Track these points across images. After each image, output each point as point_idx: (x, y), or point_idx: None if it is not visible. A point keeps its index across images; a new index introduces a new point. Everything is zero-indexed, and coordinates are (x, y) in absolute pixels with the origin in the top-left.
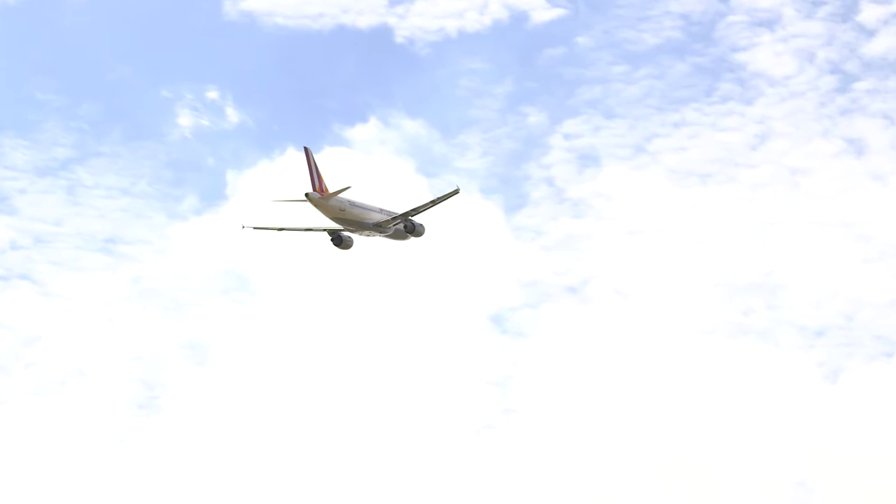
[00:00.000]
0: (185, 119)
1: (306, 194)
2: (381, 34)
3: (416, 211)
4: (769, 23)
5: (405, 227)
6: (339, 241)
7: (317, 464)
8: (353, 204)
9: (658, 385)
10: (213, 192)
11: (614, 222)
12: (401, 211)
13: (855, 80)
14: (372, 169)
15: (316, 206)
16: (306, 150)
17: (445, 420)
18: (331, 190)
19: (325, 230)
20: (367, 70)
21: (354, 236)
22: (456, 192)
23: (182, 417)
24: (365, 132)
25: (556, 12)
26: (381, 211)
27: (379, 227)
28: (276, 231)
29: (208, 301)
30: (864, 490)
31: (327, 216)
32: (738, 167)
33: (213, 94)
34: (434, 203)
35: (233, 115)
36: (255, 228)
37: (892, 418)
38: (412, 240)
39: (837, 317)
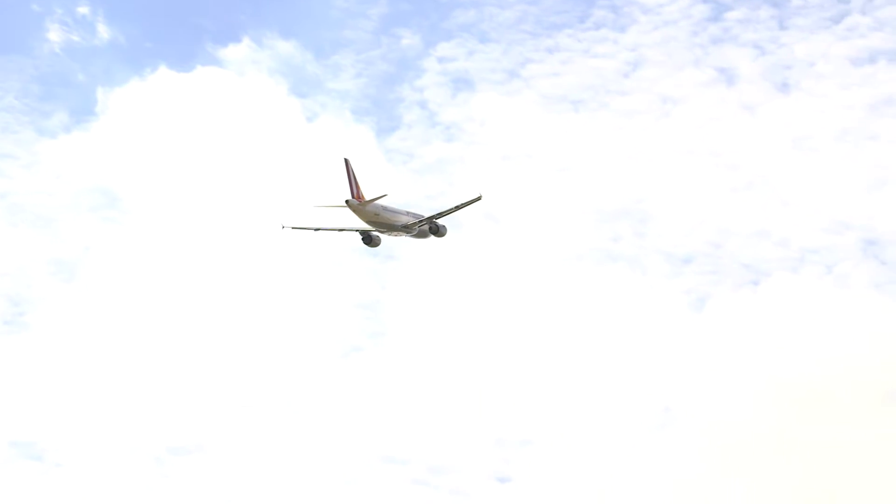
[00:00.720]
0: (54, 34)
1: (346, 201)
2: None
3: (441, 215)
4: None
5: (430, 228)
6: (370, 240)
7: (182, 383)
8: (385, 209)
9: (527, 309)
10: (82, 108)
11: (487, 147)
12: (426, 214)
13: (727, 10)
14: (244, 89)
15: (354, 211)
16: (346, 161)
17: (313, 342)
18: (367, 197)
19: (357, 230)
20: None
21: (382, 236)
22: (478, 198)
23: (48, 334)
24: (238, 52)
25: None
26: (408, 213)
27: (406, 229)
28: (312, 231)
29: (76, 218)
30: (728, 416)
31: (363, 220)
32: (611, 94)
33: (83, 10)
34: (457, 208)
35: (104, 32)
36: (293, 228)
37: (757, 346)
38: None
39: (705, 245)
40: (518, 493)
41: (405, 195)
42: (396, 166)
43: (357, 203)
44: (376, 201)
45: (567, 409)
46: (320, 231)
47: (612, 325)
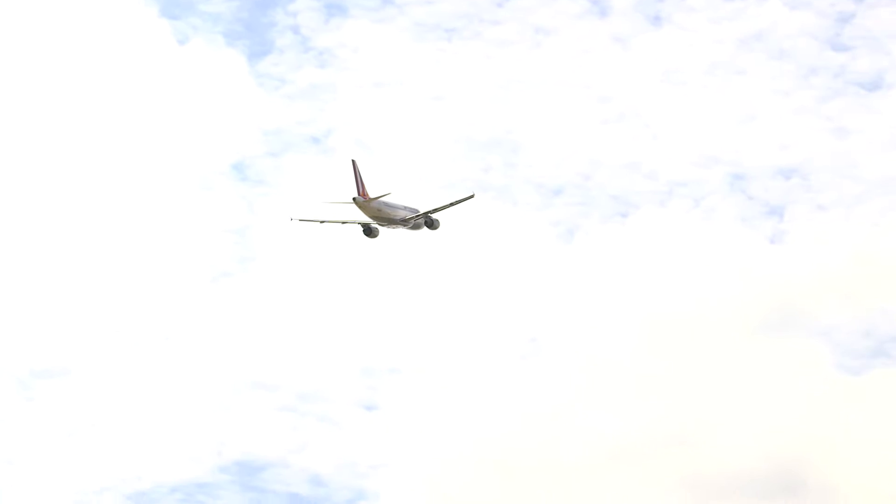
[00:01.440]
0: None
1: (353, 199)
2: None
3: (436, 210)
4: None
5: (425, 222)
6: (369, 231)
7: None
8: (387, 205)
9: (396, 238)
10: None
11: (359, 74)
12: (422, 210)
13: None
14: (113, 13)
15: (360, 207)
16: (353, 162)
17: (181, 267)
18: (371, 195)
19: (359, 223)
20: None
21: (381, 228)
22: (471, 196)
23: None
24: None
25: None
26: (406, 209)
27: (404, 222)
28: (318, 223)
29: None
30: (595, 347)
31: (366, 214)
32: (484, 23)
33: None
34: (451, 205)
35: None
36: (300, 220)
37: (625, 278)
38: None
39: (575, 176)
40: (385, 421)
41: (276, 121)
42: (268, 91)
43: (363, 200)
44: (380, 199)
45: (434, 338)
46: (325, 223)
47: (481, 255)
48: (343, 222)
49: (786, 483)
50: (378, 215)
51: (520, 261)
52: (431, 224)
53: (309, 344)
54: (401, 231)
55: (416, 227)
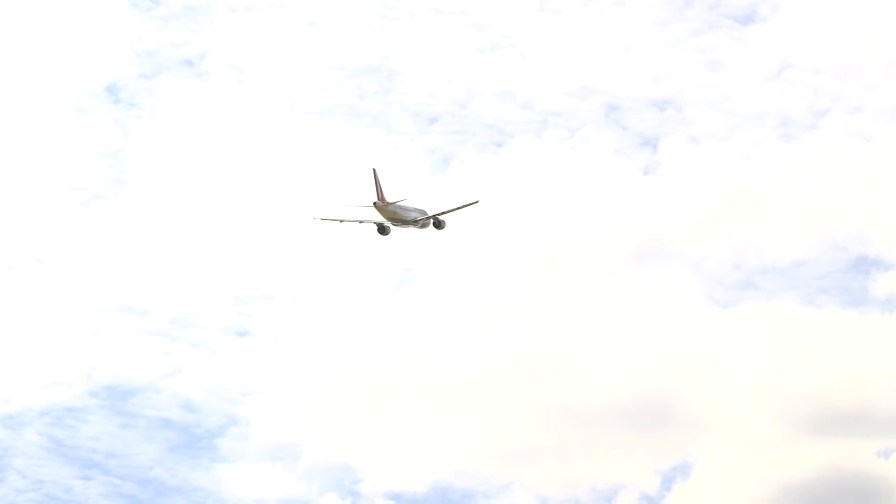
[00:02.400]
0: None
1: (373, 203)
2: None
3: (444, 213)
4: None
5: (434, 222)
6: (383, 230)
7: None
8: (402, 208)
9: (269, 163)
10: None
11: None
12: (430, 212)
13: None
14: None
15: (378, 210)
16: (374, 170)
17: (53, 189)
18: (388, 199)
19: (374, 222)
20: None
21: (394, 228)
22: (476, 202)
23: None
24: None
25: None
26: (416, 210)
27: (415, 223)
28: (338, 222)
29: None
30: (467, 277)
31: (384, 216)
32: None
33: None
34: (458, 209)
35: None
36: (322, 219)
37: (498, 207)
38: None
39: (450, 104)
40: (257, 348)
41: (150, 43)
42: (141, 12)
43: (382, 204)
44: (396, 203)
45: (308, 265)
46: (345, 222)
47: (354, 183)
48: (360, 221)
49: (655, 413)
50: (393, 217)
51: (395, 187)
52: (439, 224)
53: (182, 269)
54: (411, 230)
55: (424, 226)
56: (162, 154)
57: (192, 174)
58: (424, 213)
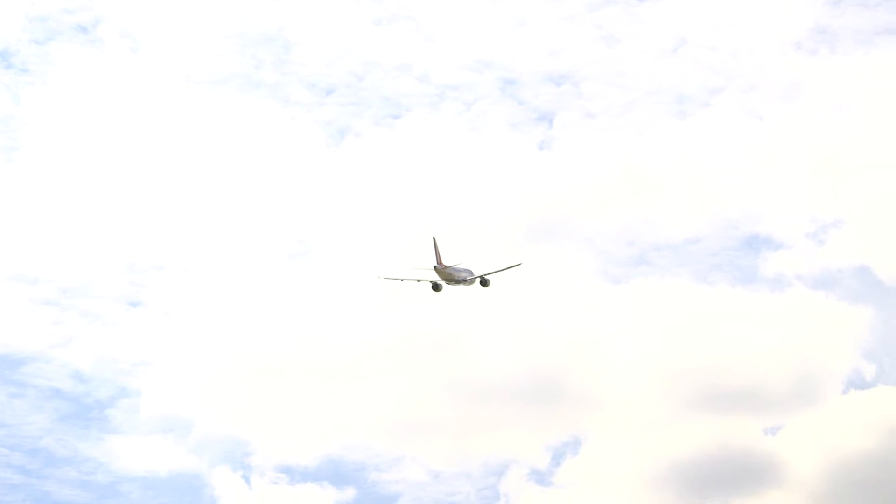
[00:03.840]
0: None
1: (434, 267)
2: None
3: (490, 273)
4: None
5: (480, 281)
6: (437, 288)
7: None
8: (455, 270)
9: (167, 133)
10: None
11: None
12: (476, 273)
13: None
14: None
15: (437, 273)
16: (434, 238)
17: None
18: (445, 263)
19: (430, 281)
20: None
21: (446, 286)
22: (519, 265)
23: None
24: None
25: None
26: (466, 271)
27: (465, 282)
28: (400, 281)
29: None
30: (359, 247)
31: (441, 277)
32: None
33: None
34: (500, 270)
35: None
36: (385, 279)
37: (394, 180)
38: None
39: (347, 76)
40: (149, 318)
41: (42, 8)
42: None
43: (441, 268)
44: (451, 267)
45: (201, 236)
46: (405, 281)
47: (251, 154)
48: (419, 280)
49: (547, 389)
50: (448, 277)
51: (290, 160)
52: (484, 283)
53: (73, 237)
54: (460, 287)
55: (471, 283)
56: (54, 121)
57: (85, 142)
58: (472, 273)
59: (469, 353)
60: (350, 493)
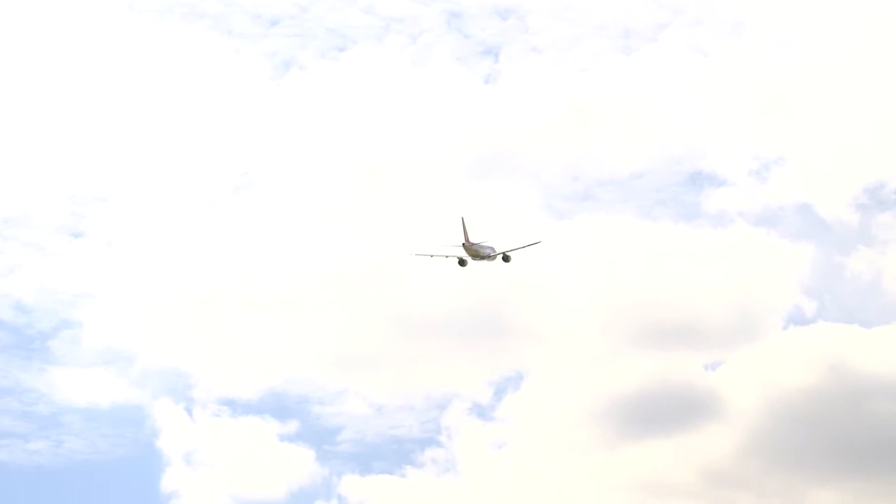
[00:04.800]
0: None
1: (462, 244)
2: None
3: (511, 250)
4: None
5: (502, 257)
6: (463, 263)
7: None
8: (481, 247)
9: (102, 63)
10: None
11: None
12: (498, 249)
13: None
14: None
15: (465, 250)
16: (462, 219)
17: None
18: (472, 240)
19: (457, 257)
20: None
21: (471, 261)
22: (538, 242)
23: None
24: None
25: None
26: (489, 248)
27: (489, 258)
28: (429, 256)
29: None
30: (305, 180)
31: (468, 253)
32: None
33: None
34: (522, 248)
35: None
36: (416, 255)
37: (339, 113)
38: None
39: (292, 7)
40: (91, 249)
41: None
42: None
43: (469, 245)
44: (477, 244)
45: (144, 167)
46: (435, 257)
47: (195, 85)
48: (447, 256)
49: (489, 324)
50: (474, 254)
51: (233, 93)
52: (506, 259)
53: (14, 168)
54: (484, 262)
55: (493, 259)
56: None
57: (26, 72)
58: (494, 249)
59: (412, 287)
60: (292, 425)
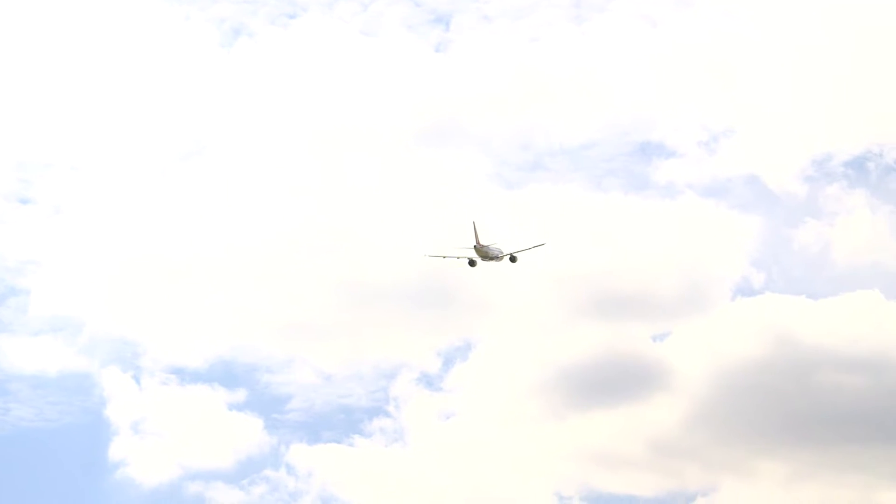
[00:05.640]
0: None
1: (474, 246)
2: None
3: (518, 252)
4: None
5: (510, 258)
6: (473, 263)
7: None
8: (490, 248)
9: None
10: None
11: None
12: (505, 251)
13: None
14: None
15: (476, 251)
16: (474, 223)
17: None
18: (482, 242)
19: (467, 258)
20: None
21: (480, 261)
22: (543, 244)
23: None
24: None
25: None
26: (497, 249)
27: (497, 259)
28: (442, 258)
29: None
30: (254, 147)
31: (478, 254)
32: None
33: None
34: (529, 249)
35: None
36: (429, 256)
37: (288, 82)
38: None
39: None
40: (38, 216)
41: None
42: None
43: (479, 247)
44: (487, 246)
45: (92, 133)
46: (447, 258)
47: (144, 52)
48: (458, 257)
49: (438, 293)
50: (484, 255)
51: (182, 60)
52: (513, 259)
53: None
54: (493, 263)
55: (501, 259)
56: None
57: None
58: (502, 251)
59: (361, 255)
60: (241, 394)
